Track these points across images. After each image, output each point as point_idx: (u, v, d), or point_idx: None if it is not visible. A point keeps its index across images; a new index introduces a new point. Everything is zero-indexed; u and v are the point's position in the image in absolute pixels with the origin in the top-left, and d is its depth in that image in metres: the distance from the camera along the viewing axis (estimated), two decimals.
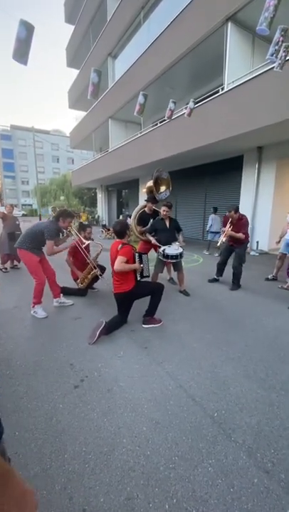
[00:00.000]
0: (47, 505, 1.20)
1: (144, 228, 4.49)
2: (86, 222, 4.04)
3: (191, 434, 1.58)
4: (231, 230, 4.15)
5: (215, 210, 7.77)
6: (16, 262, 5.69)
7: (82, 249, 3.58)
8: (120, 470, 1.36)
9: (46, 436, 1.56)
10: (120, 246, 2.74)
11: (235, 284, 4.40)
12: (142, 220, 4.55)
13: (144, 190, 5.02)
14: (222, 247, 4.50)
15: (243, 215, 4.24)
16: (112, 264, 2.85)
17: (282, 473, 1.35)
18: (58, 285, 3.58)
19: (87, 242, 3.65)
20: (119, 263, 2.64)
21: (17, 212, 26.98)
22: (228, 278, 4.54)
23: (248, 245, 7.63)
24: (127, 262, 2.70)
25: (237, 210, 4.16)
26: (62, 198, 25.53)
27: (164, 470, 1.36)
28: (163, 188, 4.93)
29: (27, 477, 1.32)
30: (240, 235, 4.12)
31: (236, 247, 4.35)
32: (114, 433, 1.58)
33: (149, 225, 4.29)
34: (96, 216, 20.18)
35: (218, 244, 4.27)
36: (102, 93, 12.19)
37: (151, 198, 4.61)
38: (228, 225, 4.20)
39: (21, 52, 2.49)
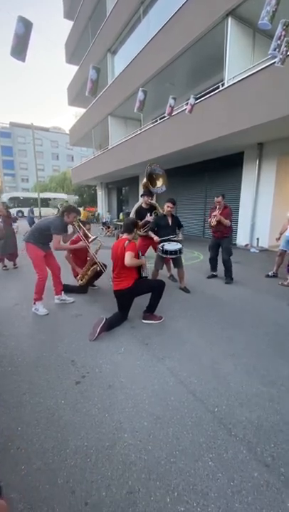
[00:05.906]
0: (50, 499, 1.21)
1: (141, 222, 4.49)
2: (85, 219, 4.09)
3: (192, 429, 1.59)
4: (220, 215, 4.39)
5: None
6: (16, 262, 5.69)
7: (86, 243, 3.58)
8: (122, 464, 1.38)
9: (48, 431, 1.58)
10: (127, 242, 2.79)
11: (229, 277, 4.56)
12: (139, 214, 4.57)
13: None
14: (209, 243, 4.79)
15: (227, 205, 4.51)
16: (114, 261, 2.87)
17: (282, 467, 1.36)
18: (61, 282, 3.62)
19: (92, 238, 3.65)
20: (130, 258, 2.70)
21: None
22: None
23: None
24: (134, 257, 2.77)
25: (224, 197, 4.42)
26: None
27: (165, 464, 1.38)
28: (159, 183, 4.99)
29: (29, 472, 1.34)
30: (228, 221, 4.35)
31: (221, 240, 4.55)
32: (116, 428, 1.60)
33: (152, 221, 4.29)
34: (96, 214, 20.04)
35: (212, 224, 4.47)
36: (101, 90, 12.09)
37: (147, 191, 4.65)
38: (217, 210, 4.41)
39: (19, 48, 2.48)
